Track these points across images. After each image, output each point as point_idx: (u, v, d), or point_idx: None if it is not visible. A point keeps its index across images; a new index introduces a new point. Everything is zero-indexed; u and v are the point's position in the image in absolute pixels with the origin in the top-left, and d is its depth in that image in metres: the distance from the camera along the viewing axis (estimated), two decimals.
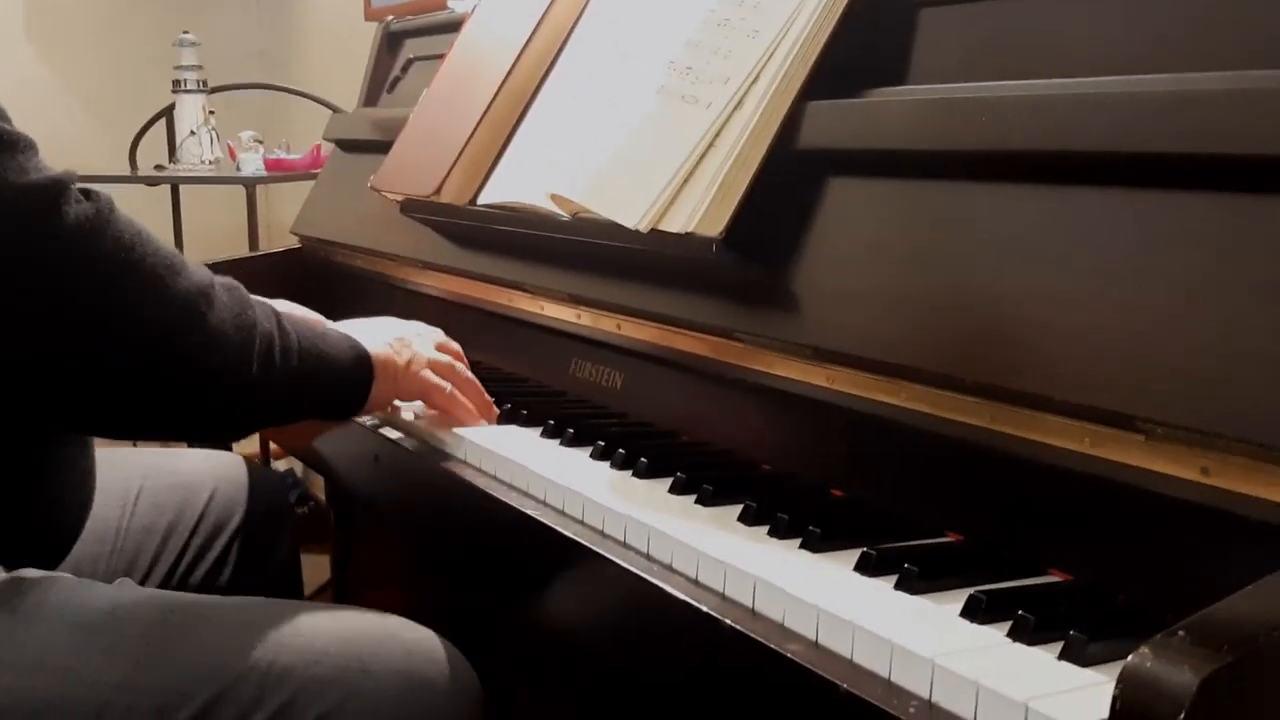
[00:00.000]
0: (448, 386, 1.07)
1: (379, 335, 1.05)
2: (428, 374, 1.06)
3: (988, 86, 0.83)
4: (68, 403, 0.85)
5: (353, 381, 1.01)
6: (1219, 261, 0.65)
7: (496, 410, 1.11)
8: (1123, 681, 0.47)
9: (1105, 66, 0.77)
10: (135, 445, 1.47)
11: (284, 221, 1.88)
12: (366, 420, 1.17)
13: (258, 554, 1.21)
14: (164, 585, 1.14)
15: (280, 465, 2.94)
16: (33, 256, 0.79)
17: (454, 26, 1.56)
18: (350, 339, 1.02)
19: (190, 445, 1.37)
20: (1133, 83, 0.73)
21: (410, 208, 1.38)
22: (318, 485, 2.91)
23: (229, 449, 1.37)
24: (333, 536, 1.88)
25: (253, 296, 0.93)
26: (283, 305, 1.07)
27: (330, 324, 1.05)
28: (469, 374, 1.10)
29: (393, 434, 1.13)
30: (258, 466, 1.28)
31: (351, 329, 1.04)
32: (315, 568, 1.91)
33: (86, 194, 0.82)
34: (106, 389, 0.84)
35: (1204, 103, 0.68)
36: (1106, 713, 0.52)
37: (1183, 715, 0.45)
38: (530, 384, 1.24)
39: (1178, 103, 0.69)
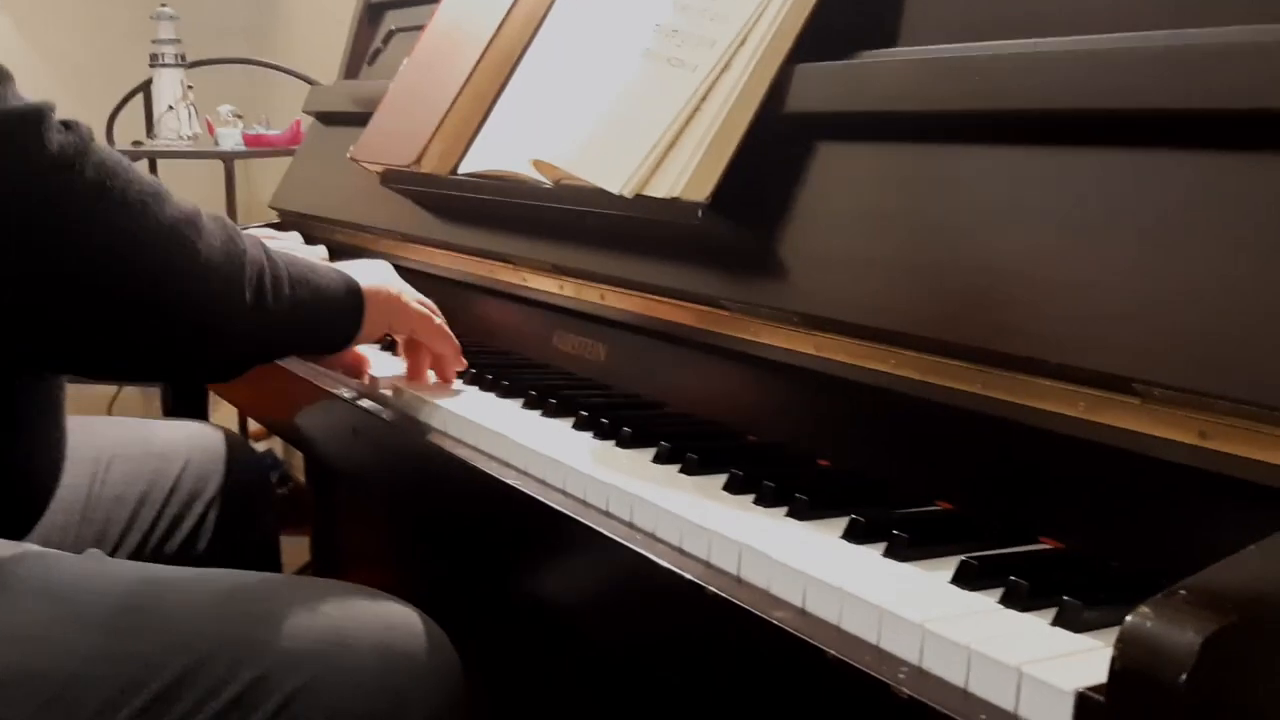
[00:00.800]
0: (438, 318, 1.07)
1: (372, 271, 1.05)
2: (419, 307, 1.06)
3: (979, 46, 0.81)
4: (53, 340, 0.82)
5: (345, 311, 1.00)
6: (1217, 220, 0.64)
7: (464, 362, 1.12)
8: (1122, 642, 0.46)
9: (1098, 25, 0.76)
10: (111, 412, 1.45)
11: (263, 198, 1.86)
12: (344, 393, 1.15)
13: (234, 526, 1.19)
14: (136, 557, 1.12)
15: (260, 446, 2.91)
16: (17, 186, 0.76)
17: None
18: (339, 271, 1.01)
19: (183, 385, 1.35)
20: (1126, 39, 0.72)
21: (390, 179, 1.36)
22: (298, 467, 2.89)
23: (204, 417, 1.35)
24: (313, 517, 1.86)
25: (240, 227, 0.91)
26: (271, 240, 1.06)
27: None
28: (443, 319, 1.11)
29: (371, 406, 1.11)
30: (234, 437, 1.25)
31: (344, 265, 1.04)
32: (295, 550, 1.89)
33: (66, 124, 0.80)
34: (94, 324, 0.81)
35: (1202, 58, 0.66)
36: (1103, 677, 0.50)
37: (1185, 677, 0.44)
38: (512, 357, 1.22)
39: (1174, 58, 0.67)
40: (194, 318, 0.86)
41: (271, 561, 1.27)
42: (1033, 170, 0.74)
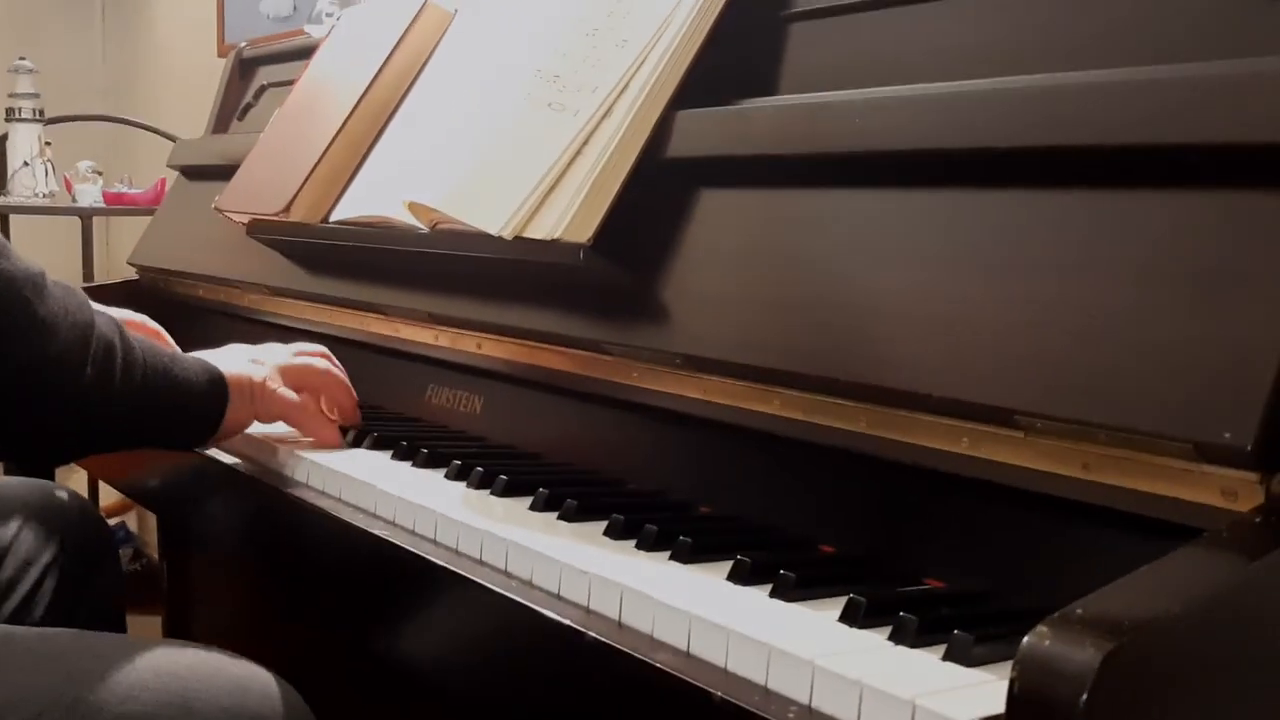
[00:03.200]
0: (310, 406, 1.02)
1: (232, 357, 1.00)
2: (287, 393, 1.01)
3: (855, 92, 0.82)
4: None
5: (205, 404, 0.96)
6: (1089, 251, 0.64)
7: (355, 396, 1.07)
8: (1020, 663, 0.44)
9: (973, 70, 0.77)
10: None
11: (125, 260, 1.78)
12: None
13: (75, 591, 1.10)
14: None
15: (113, 521, 2.76)
16: None
17: (310, 53, 1.50)
18: (202, 360, 0.97)
19: (11, 465, 1.26)
20: (998, 83, 0.73)
21: (257, 229, 1.31)
22: (152, 545, 2.75)
23: (50, 476, 1.26)
24: (165, 592, 1.75)
25: (96, 305, 0.87)
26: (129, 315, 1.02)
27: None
28: (337, 371, 1.06)
29: (229, 459, 1.05)
30: (79, 499, 1.17)
31: (202, 355, 1.00)
32: (146, 631, 1.77)
33: None
34: None
35: (1072, 97, 0.67)
36: (996, 709, 0.49)
37: (1085, 697, 0.42)
38: (382, 411, 1.18)
39: (1047, 98, 0.68)
40: (23, 385, 0.81)
41: (116, 627, 1.18)
42: (912, 209, 0.74)
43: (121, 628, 1.19)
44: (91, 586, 1.13)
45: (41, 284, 0.82)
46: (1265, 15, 0.64)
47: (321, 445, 1.02)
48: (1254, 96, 0.59)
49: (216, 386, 0.96)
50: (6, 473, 1.29)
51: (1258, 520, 0.54)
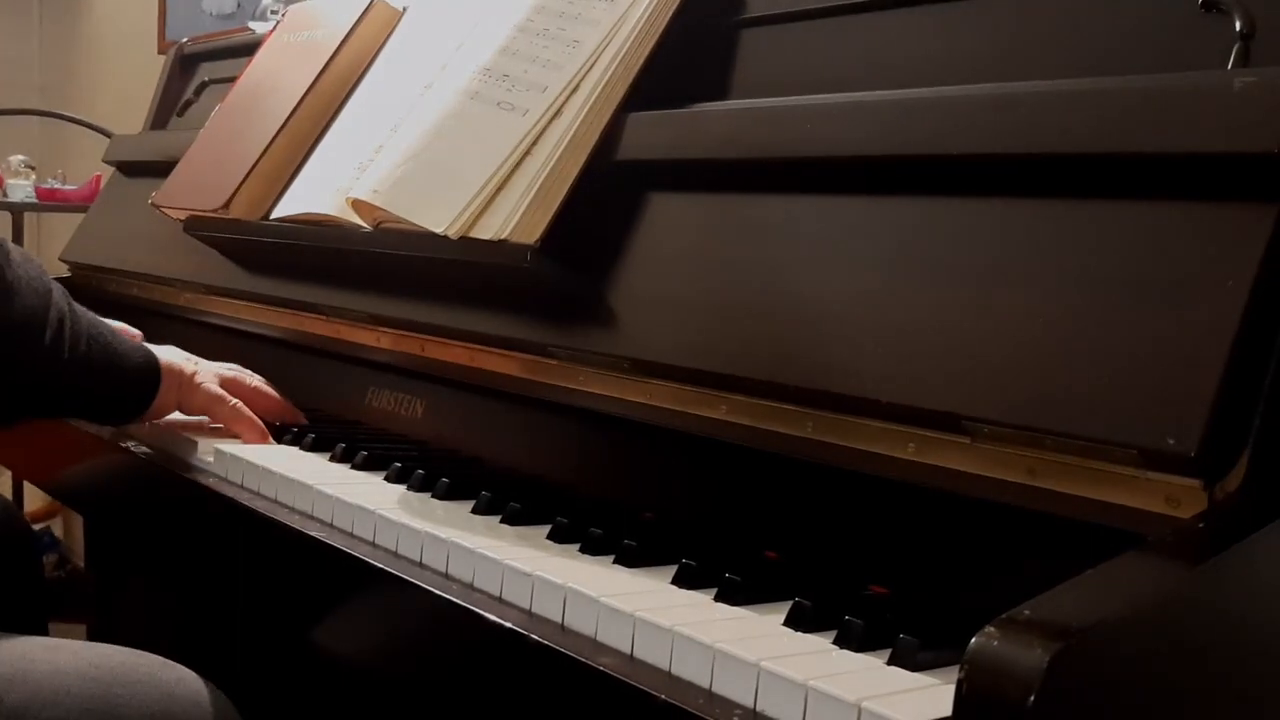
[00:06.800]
0: (232, 400, 1.04)
1: (164, 350, 1.05)
2: (213, 386, 1.04)
3: (805, 98, 0.82)
4: None
5: (137, 382, 1.00)
6: (1036, 258, 0.65)
7: (300, 413, 1.09)
8: (969, 663, 0.44)
9: (921, 81, 0.77)
10: None
11: (56, 259, 1.73)
12: (132, 445, 1.06)
13: None
14: None
15: (36, 527, 2.69)
16: None
17: (252, 50, 1.47)
18: (139, 344, 1.01)
19: None
20: (948, 91, 0.73)
21: (194, 226, 1.28)
22: (78, 552, 2.69)
23: None
24: (92, 596, 1.70)
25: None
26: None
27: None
28: (257, 381, 1.08)
29: (162, 459, 1.02)
30: None
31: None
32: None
33: None
34: None
35: (1017, 104, 0.68)
36: (942, 711, 0.49)
37: (1032, 697, 0.42)
38: (320, 414, 1.15)
39: (992, 105, 0.69)
40: None
41: (36, 625, 1.14)
42: (861, 215, 0.74)
43: (42, 627, 1.16)
44: (10, 590, 1.10)
45: (6, 248, 0.86)
46: (1206, 26, 0.65)
47: (247, 441, 1.03)
48: (1200, 107, 0.59)
49: (149, 369, 1.01)
50: None
51: (1201, 526, 0.54)
